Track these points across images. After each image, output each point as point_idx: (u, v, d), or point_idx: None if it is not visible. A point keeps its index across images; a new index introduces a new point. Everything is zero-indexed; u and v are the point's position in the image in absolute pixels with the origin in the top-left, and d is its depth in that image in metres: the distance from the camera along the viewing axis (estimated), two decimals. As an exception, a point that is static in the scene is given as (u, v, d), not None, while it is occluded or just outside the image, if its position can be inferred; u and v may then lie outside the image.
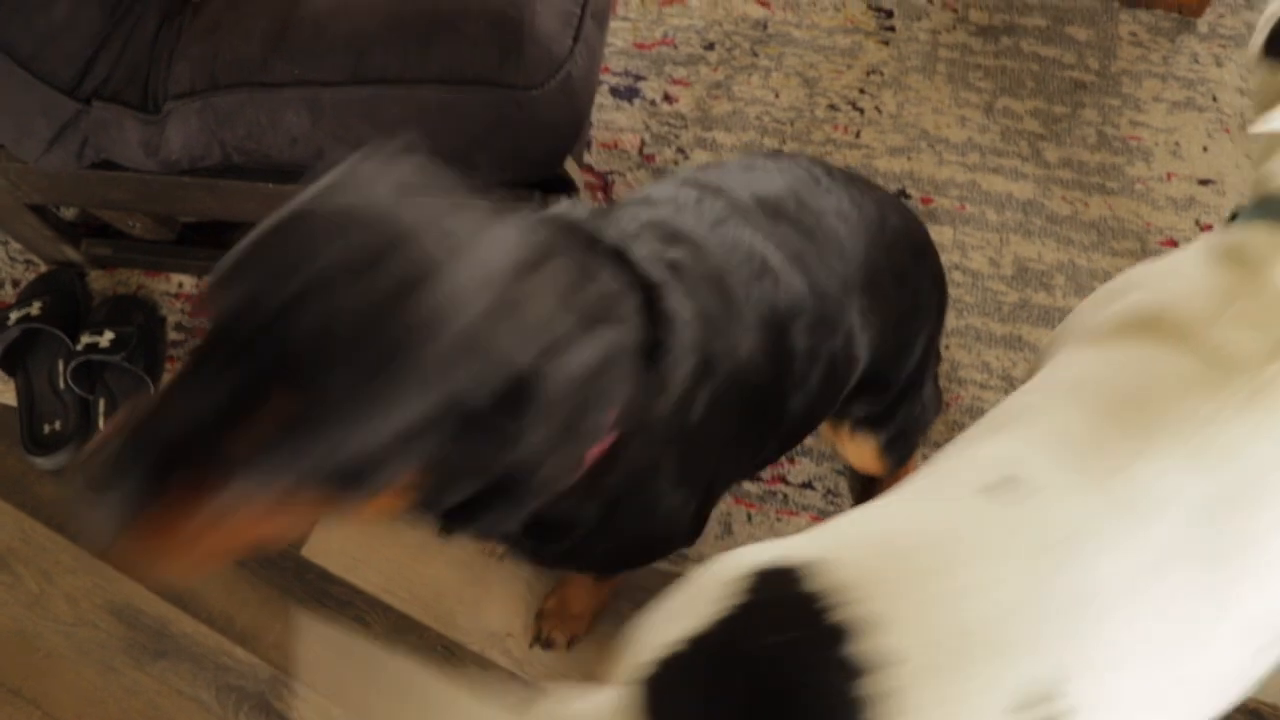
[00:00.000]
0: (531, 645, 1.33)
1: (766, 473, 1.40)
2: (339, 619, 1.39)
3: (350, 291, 0.58)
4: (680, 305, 0.79)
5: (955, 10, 1.79)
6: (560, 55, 1.12)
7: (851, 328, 0.97)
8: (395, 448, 0.60)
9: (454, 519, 0.71)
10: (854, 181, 1.05)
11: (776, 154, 1.10)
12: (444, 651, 1.36)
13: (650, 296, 0.77)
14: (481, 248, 0.64)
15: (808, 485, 1.39)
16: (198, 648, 1.39)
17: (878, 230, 1.01)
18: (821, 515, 1.37)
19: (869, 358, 1.02)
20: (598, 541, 0.88)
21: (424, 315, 0.59)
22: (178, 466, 0.58)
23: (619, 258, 0.78)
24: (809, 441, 1.42)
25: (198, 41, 1.25)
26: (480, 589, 1.39)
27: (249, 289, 0.59)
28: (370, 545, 1.43)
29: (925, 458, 1.40)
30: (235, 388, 0.58)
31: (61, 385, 1.54)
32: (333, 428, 0.58)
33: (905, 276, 1.05)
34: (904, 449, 1.26)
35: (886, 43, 1.76)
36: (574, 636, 1.32)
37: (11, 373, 1.55)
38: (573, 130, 1.19)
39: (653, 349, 0.76)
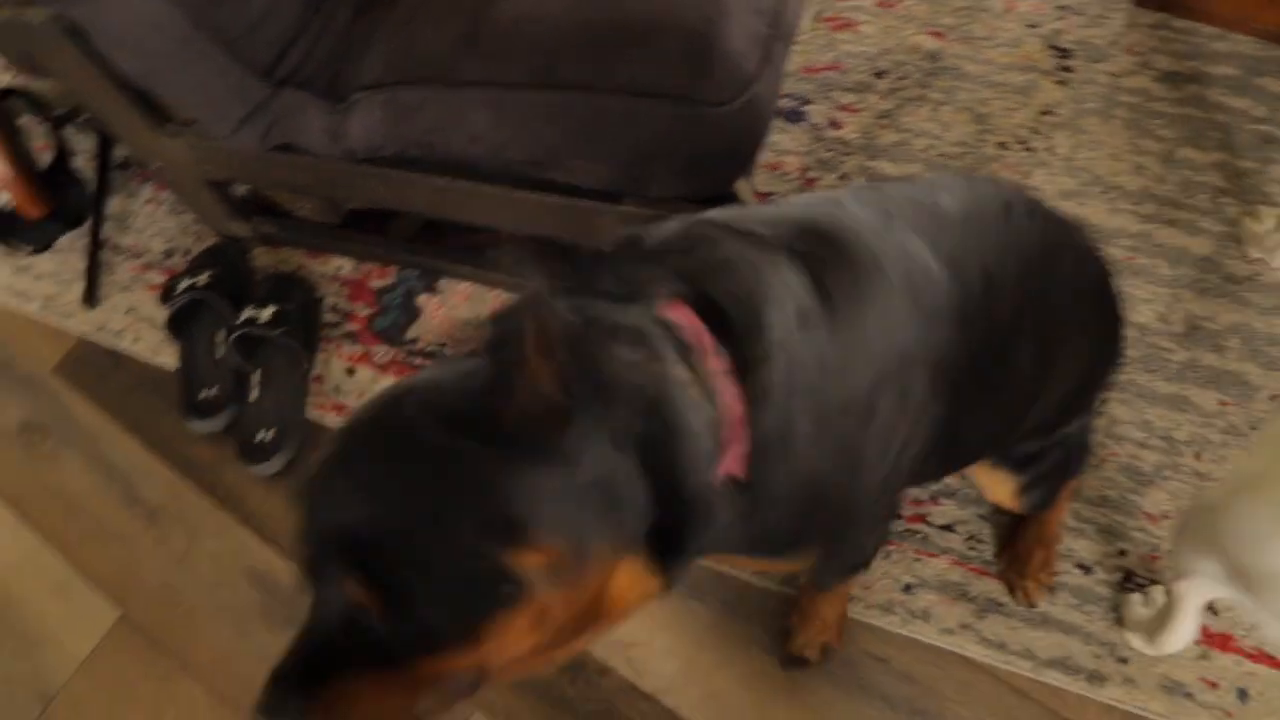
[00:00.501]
0: (786, 668, 1.31)
1: (907, 509, 1.37)
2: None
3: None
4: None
5: (1138, 55, 1.73)
6: (749, 74, 1.12)
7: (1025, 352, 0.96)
8: None
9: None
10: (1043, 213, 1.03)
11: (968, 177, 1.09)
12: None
13: None
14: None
15: (949, 528, 1.36)
16: (327, 621, 1.43)
17: (1058, 262, 1.00)
18: (962, 560, 1.33)
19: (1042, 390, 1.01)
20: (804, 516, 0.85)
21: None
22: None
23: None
24: (953, 483, 1.38)
25: (390, 36, 1.29)
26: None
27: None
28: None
29: (1071, 513, 1.35)
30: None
31: (220, 354, 1.61)
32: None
33: (1077, 314, 1.04)
34: (1044, 494, 1.24)
35: (1063, 83, 1.71)
36: (825, 645, 1.30)
37: (178, 337, 1.62)
38: (751, 150, 1.19)
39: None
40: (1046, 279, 0.98)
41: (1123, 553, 1.34)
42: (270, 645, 1.41)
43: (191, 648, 1.43)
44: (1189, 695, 1.25)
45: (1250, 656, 1.27)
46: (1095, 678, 1.27)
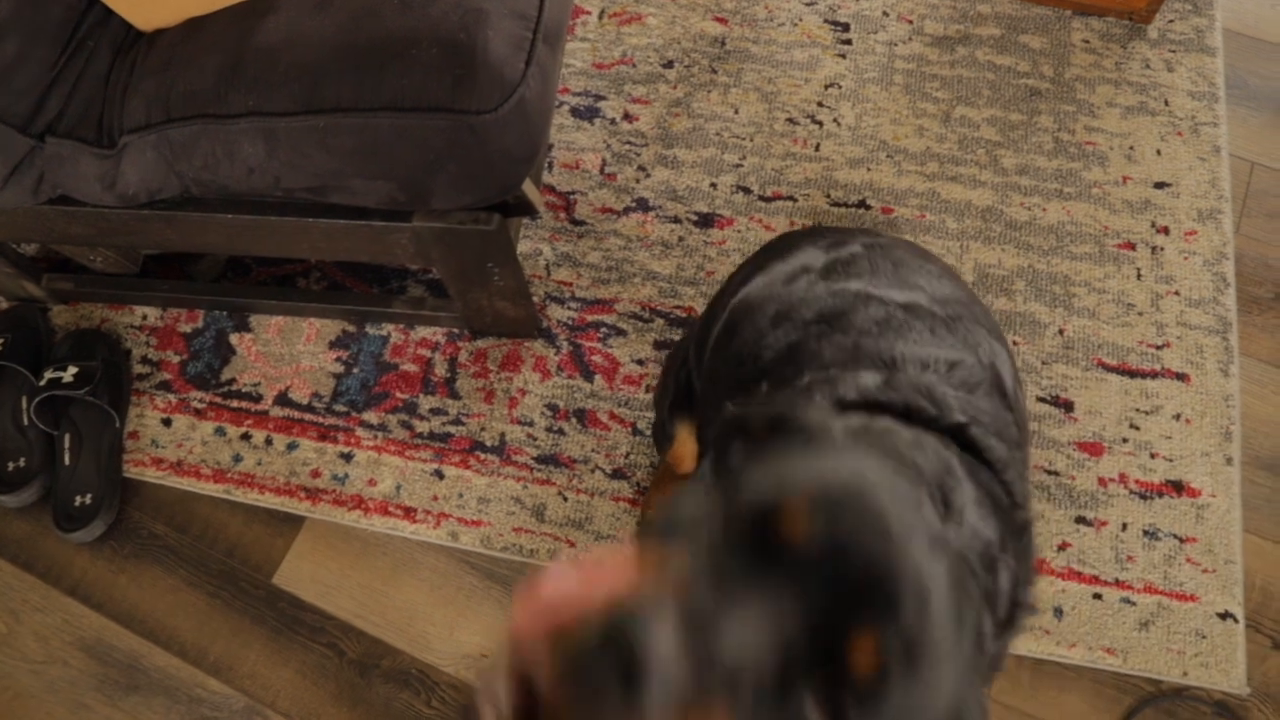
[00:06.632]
0: None
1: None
2: (312, 646, 1.38)
3: None
4: (1019, 481, 0.75)
5: (910, 22, 1.81)
6: (513, 79, 1.13)
7: None
8: None
9: None
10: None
11: (875, 238, 1.07)
12: (418, 675, 1.36)
13: (1007, 487, 0.73)
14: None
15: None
16: (171, 681, 1.38)
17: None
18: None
19: None
20: None
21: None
22: None
23: (961, 439, 0.73)
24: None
25: (152, 75, 1.25)
26: (453, 610, 1.39)
27: None
28: (342, 571, 1.43)
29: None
30: None
31: (25, 422, 1.53)
32: None
33: None
34: None
35: (843, 56, 1.78)
36: None
37: (-25, 411, 1.54)
38: (529, 153, 1.20)
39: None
40: None
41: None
42: (112, 717, 1.36)
43: (24, 732, 1.36)
44: (1012, 621, 1.33)
45: (1061, 575, 1.35)
46: (926, 618, 1.33)
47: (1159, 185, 1.63)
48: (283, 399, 1.53)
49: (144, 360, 1.59)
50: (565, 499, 1.43)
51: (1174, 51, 1.76)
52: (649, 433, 1.47)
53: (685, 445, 1.17)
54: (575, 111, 1.73)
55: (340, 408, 1.51)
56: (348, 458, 1.48)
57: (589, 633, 0.49)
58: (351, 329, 1.57)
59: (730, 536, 0.55)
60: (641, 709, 0.46)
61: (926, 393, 0.76)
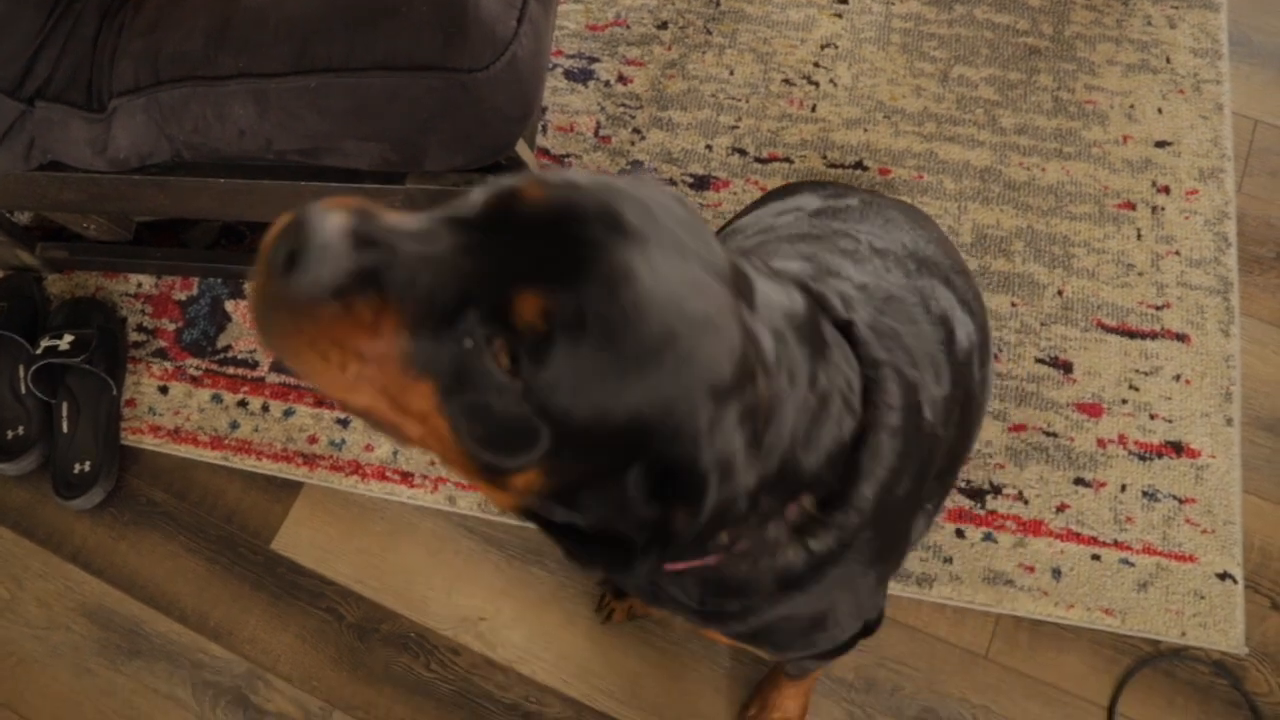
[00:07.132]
0: None
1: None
2: (312, 611, 1.39)
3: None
4: (892, 384, 0.74)
5: (909, -20, 1.79)
6: (505, 37, 1.12)
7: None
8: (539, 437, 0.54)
9: (581, 558, 0.66)
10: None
11: (873, 198, 1.07)
12: (417, 639, 1.36)
13: (870, 382, 0.73)
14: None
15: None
16: (172, 646, 1.39)
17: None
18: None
19: None
20: (776, 620, 0.79)
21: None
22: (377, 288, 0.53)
23: (847, 335, 0.74)
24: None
25: (140, 38, 1.23)
26: (451, 574, 1.39)
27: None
28: (340, 536, 1.43)
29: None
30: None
31: (23, 390, 1.53)
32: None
33: None
34: None
35: (840, 15, 1.76)
36: None
37: (-29, 379, 1.54)
38: (522, 112, 1.18)
39: (859, 440, 0.71)
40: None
41: (938, 458, 1.40)
42: (114, 682, 1.37)
43: (28, 698, 1.37)
44: (1010, 582, 1.33)
45: (1059, 537, 1.35)
46: (924, 580, 1.33)
47: (1160, 144, 1.62)
48: (279, 365, 1.53)
49: (139, 328, 1.59)
50: (563, 463, 1.43)
51: (1176, 8, 1.74)
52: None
53: None
54: (569, 74, 1.71)
55: (337, 374, 1.51)
56: (345, 423, 1.48)
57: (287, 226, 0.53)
58: (347, 295, 1.56)
59: (466, 204, 0.57)
60: (295, 285, 0.51)
61: (844, 299, 0.77)
